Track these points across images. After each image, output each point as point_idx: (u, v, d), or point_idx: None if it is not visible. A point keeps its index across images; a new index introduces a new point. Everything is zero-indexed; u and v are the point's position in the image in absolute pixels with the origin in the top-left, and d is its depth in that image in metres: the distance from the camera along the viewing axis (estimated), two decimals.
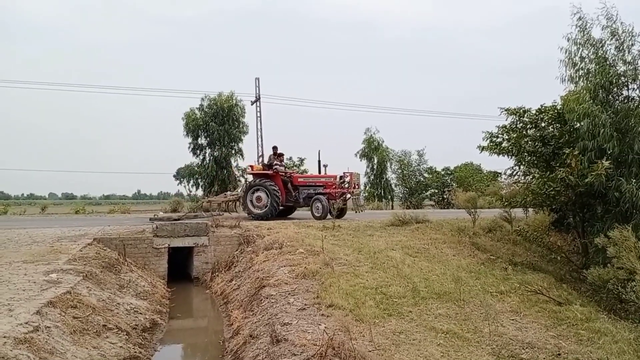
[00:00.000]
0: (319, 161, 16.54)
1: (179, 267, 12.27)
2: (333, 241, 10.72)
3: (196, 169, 33.09)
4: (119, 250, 10.62)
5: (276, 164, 15.78)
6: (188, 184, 34.21)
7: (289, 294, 7.51)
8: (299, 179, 15.97)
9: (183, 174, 35.34)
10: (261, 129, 36.19)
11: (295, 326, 6.11)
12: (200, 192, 33.56)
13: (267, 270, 8.89)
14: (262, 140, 35.95)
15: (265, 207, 15.12)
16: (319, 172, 16.37)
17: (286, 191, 15.61)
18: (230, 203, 19.63)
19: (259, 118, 36.36)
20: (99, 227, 12.37)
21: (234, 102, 32.58)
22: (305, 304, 7.00)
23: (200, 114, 32.35)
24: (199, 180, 33.08)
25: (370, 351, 5.52)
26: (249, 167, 17.24)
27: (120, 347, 6.33)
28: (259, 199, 15.27)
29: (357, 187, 15.36)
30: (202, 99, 32.62)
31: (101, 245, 10.62)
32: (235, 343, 6.80)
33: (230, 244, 11.82)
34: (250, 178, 17.09)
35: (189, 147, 32.80)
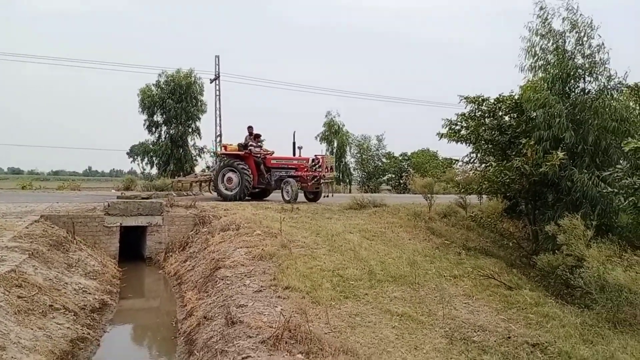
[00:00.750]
0: (294, 143, 15.99)
1: (132, 246, 11.93)
2: (291, 223, 10.64)
3: (151, 146, 32.34)
4: (67, 228, 10.20)
5: (251, 145, 15.17)
6: (142, 162, 33.45)
7: (245, 275, 7.41)
8: (272, 161, 15.17)
9: (137, 152, 34.41)
10: (220, 107, 35.56)
11: (251, 308, 6.04)
12: (155, 171, 32.86)
13: (223, 252, 8.75)
14: (220, 120, 35.38)
15: (236, 188, 14.61)
16: (294, 154, 15.73)
17: (259, 173, 15.04)
18: (203, 184, 18.95)
19: (218, 97, 35.69)
20: (46, 204, 11.85)
21: (193, 79, 31.88)
22: (262, 286, 6.92)
23: (157, 91, 31.54)
24: (154, 158, 32.34)
25: (326, 333, 5.51)
26: (222, 147, 16.50)
27: (68, 328, 6.10)
28: (229, 180, 14.73)
29: (329, 170, 14.81)
30: (159, 75, 31.80)
31: (49, 222, 10.17)
32: (188, 324, 6.67)
33: (185, 224, 11.56)
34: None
35: (144, 124, 32.04)
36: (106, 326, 7.12)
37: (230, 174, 14.73)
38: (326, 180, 14.57)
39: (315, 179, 14.37)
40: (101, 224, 10.85)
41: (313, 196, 14.95)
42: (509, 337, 6.13)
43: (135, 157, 35.56)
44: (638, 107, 13.00)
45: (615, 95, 10.45)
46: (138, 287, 9.96)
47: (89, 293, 7.72)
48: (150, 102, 31.08)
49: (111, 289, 8.62)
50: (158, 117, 31.84)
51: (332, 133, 39.43)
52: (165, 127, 31.97)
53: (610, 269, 7.15)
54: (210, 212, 11.74)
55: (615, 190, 8.88)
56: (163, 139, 31.91)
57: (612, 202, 9.33)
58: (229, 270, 7.69)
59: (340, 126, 39.75)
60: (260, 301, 6.33)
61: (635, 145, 8.48)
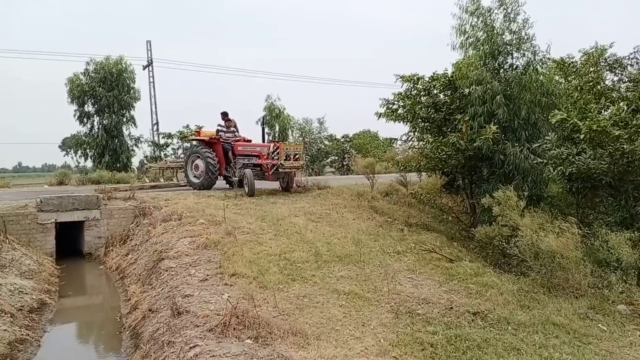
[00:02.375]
0: (263, 128, 15.19)
1: (70, 243, 11.47)
2: (235, 210, 10.54)
3: (84, 138, 30.98)
4: None
5: (221, 130, 14.32)
6: (76, 155, 32.01)
7: (190, 265, 7.31)
8: (239, 148, 13.99)
9: (70, 144, 32.96)
10: (155, 95, 34.57)
11: (197, 297, 5.97)
12: (89, 164, 31.57)
13: (166, 243, 8.57)
14: (156, 107, 34.45)
15: (202, 176, 13.79)
16: (263, 140, 14.93)
17: (227, 160, 14.07)
18: (172, 170, 18.16)
19: (152, 83, 34.71)
20: None
21: (124, 66, 30.68)
22: (208, 275, 6.85)
23: (86, 79, 30.14)
24: (88, 150, 31.03)
25: (274, 317, 5.53)
26: (196, 133, 15.56)
27: (5, 330, 5.86)
28: (196, 167, 13.99)
29: (293, 158, 13.38)
30: (88, 64, 30.36)
31: None
32: (133, 318, 6.52)
33: (125, 217, 11.21)
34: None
35: (74, 115, 30.57)
36: (46, 326, 6.87)
37: (197, 161, 14.00)
38: (285, 169, 13.17)
39: (274, 168, 13.07)
40: (34, 222, 10.34)
41: (285, 185, 13.96)
42: (452, 308, 6.36)
43: (68, 150, 34.07)
44: (563, 81, 13.68)
45: (540, 70, 10.88)
46: (78, 284, 9.61)
47: (26, 293, 7.40)
48: (79, 92, 29.70)
49: (49, 288, 8.28)
50: (89, 107, 30.48)
51: (273, 117, 39.14)
52: (98, 118, 30.67)
53: (542, 236, 7.52)
54: (151, 203, 11.44)
55: (545, 161, 9.34)
56: (96, 130, 30.65)
57: (542, 173, 9.82)
58: (173, 261, 7.56)
59: (281, 110, 39.49)
60: (207, 290, 6.27)
61: (561, 117, 8.94)
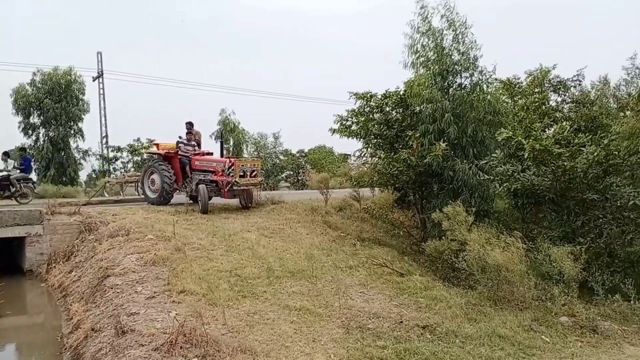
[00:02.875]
0: (222, 142, 14.36)
1: (10, 259, 10.97)
2: (186, 225, 10.35)
3: (29, 150, 29.79)
4: None
5: (181, 142, 13.54)
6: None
7: (136, 282, 7.11)
8: (196, 162, 13.22)
9: (13, 157, 31.55)
10: (105, 107, 33.68)
11: (144, 315, 5.81)
12: (34, 177, 30.34)
13: (112, 259, 8.30)
14: (106, 120, 33.52)
15: (158, 191, 13.05)
16: (221, 155, 14.09)
17: (184, 175, 13.34)
18: (135, 184, 17.23)
19: (102, 95, 33.75)
20: None
21: (73, 77, 29.79)
22: (155, 292, 6.68)
23: (33, 90, 29.08)
24: (32, 163, 29.84)
25: (223, 334, 5.44)
26: (154, 145, 14.58)
27: None
28: (152, 182, 13.25)
29: (251, 176, 12.73)
30: (34, 74, 29.31)
31: None
32: (75, 338, 6.27)
33: (70, 233, 10.78)
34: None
35: (19, 127, 29.40)
36: None
37: (154, 176, 13.25)
38: (241, 187, 12.41)
39: (229, 185, 12.28)
40: None
41: (245, 203, 13.17)
42: (401, 322, 6.43)
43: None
44: (510, 101, 14.24)
45: (486, 89, 11.30)
46: (18, 303, 9.17)
47: None
48: (25, 103, 28.63)
49: None
50: (35, 119, 29.43)
51: (228, 131, 38.82)
52: (44, 129, 29.63)
53: (489, 250, 7.74)
54: (97, 218, 11.07)
55: (492, 177, 9.66)
56: (42, 142, 29.57)
57: (489, 189, 10.15)
58: (119, 278, 7.33)
59: (236, 124, 39.24)
60: (154, 307, 6.11)
61: (507, 135, 9.29)
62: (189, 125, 13.99)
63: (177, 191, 13.50)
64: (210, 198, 12.81)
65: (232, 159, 12.76)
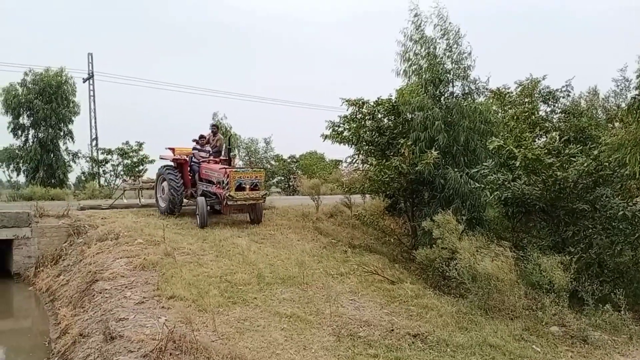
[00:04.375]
0: (229, 149, 13.36)
1: None
2: (176, 230, 10.29)
3: (17, 152, 29.48)
4: None
5: (195, 149, 12.59)
6: (8, 169, 30.33)
7: (125, 287, 7.04)
8: (203, 171, 12.14)
9: (1, 158, 31.19)
10: (95, 109, 33.46)
11: (133, 321, 5.75)
12: (22, 179, 30.04)
13: (101, 263, 8.23)
14: (96, 122, 33.28)
15: (167, 201, 12.18)
16: (229, 163, 12.77)
17: (193, 183, 12.50)
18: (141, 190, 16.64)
19: (92, 97, 33.52)
20: None
21: (64, 78, 29.58)
22: (144, 297, 6.63)
23: (23, 90, 28.82)
24: (21, 164, 29.53)
25: (213, 341, 5.40)
26: (170, 150, 13.50)
27: None
28: (162, 190, 12.48)
29: (252, 189, 11.26)
30: (26, 74, 29.06)
31: None
32: (63, 343, 6.19)
33: (58, 236, 10.68)
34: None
35: (8, 127, 29.09)
36: None
37: (164, 184, 12.39)
38: (237, 202, 11.01)
39: (225, 200, 10.97)
40: None
41: (253, 218, 11.88)
42: (392, 330, 6.41)
43: (0, 164, 32.26)
44: (500, 110, 14.33)
45: (477, 99, 11.36)
46: (5, 307, 9.09)
47: None
48: (15, 103, 28.37)
49: None
50: (24, 120, 29.16)
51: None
52: (33, 130, 29.35)
53: (479, 259, 7.75)
54: (86, 221, 10.98)
55: (483, 185, 9.69)
56: (31, 144, 29.28)
57: (480, 197, 10.16)
58: (108, 283, 7.26)
59: (228, 128, 39.16)
60: (143, 313, 6.05)
61: (498, 144, 9.34)
62: (214, 128, 13.79)
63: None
64: (214, 210, 12.26)
65: (227, 169, 11.35)
